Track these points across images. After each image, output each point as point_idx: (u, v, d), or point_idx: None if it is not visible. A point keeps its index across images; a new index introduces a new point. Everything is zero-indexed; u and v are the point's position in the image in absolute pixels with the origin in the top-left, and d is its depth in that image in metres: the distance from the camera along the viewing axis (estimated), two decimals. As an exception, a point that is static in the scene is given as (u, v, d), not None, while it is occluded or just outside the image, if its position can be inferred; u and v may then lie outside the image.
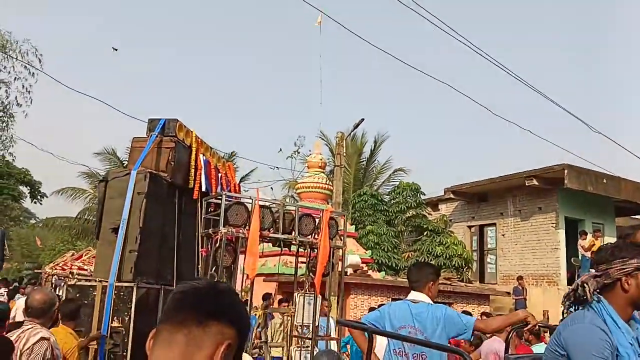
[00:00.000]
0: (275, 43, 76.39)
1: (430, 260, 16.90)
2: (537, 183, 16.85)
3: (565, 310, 2.50)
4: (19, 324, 3.93)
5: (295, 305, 7.07)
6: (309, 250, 6.91)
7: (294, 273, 7.51)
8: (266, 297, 10.94)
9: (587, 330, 2.26)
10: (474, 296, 13.86)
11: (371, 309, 7.52)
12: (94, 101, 22.34)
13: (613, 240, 12.68)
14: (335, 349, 7.07)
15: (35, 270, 21.73)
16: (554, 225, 17.43)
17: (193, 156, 6.39)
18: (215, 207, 6.30)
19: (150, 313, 5.51)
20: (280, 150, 23.32)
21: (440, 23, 19.49)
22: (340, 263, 7.45)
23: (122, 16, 76.40)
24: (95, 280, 5.52)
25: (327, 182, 15.72)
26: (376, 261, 16.96)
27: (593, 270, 2.46)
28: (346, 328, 7.37)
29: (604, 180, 17.09)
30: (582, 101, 66.50)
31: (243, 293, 8.42)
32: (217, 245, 5.92)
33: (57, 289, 11.12)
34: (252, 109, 74.30)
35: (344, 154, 13.87)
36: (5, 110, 21.63)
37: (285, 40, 74.80)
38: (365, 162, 26.17)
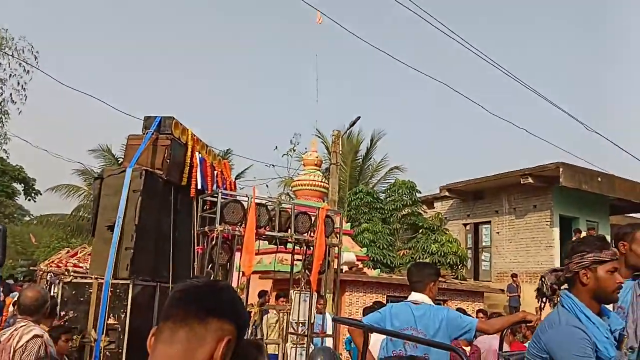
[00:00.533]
0: (271, 40, 76.28)
1: (425, 257, 16.98)
2: (532, 181, 16.93)
3: (542, 306, 2.58)
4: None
5: (291, 303, 7.10)
6: (304, 247, 6.93)
7: (289, 270, 7.53)
8: (262, 294, 10.97)
9: (565, 332, 2.30)
10: (469, 293, 13.93)
11: (365, 308, 7.54)
12: (88, 98, 22.30)
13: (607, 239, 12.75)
14: (331, 346, 7.10)
15: (30, 268, 21.65)
16: (549, 223, 17.52)
17: (189, 154, 6.39)
18: (211, 204, 6.31)
19: (146, 310, 5.52)
20: (276, 148, 23.35)
21: (437, 22, 19.53)
22: (335, 261, 7.47)
23: (113, 11, 76.07)
24: (91, 278, 5.53)
25: (323, 180, 15.73)
26: (371, 259, 17.01)
27: None
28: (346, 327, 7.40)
29: (599, 179, 17.19)
30: (577, 100, 66.71)
31: (239, 290, 8.43)
32: (213, 242, 5.94)
33: (53, 286, 11.10)
34: (248, 107, 74.19)
35: (340, 152, 13.87)
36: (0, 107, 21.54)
37: (281, 38, 74.67)
38: (361, 160, 26.20)
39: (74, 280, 6.01)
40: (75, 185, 26.61)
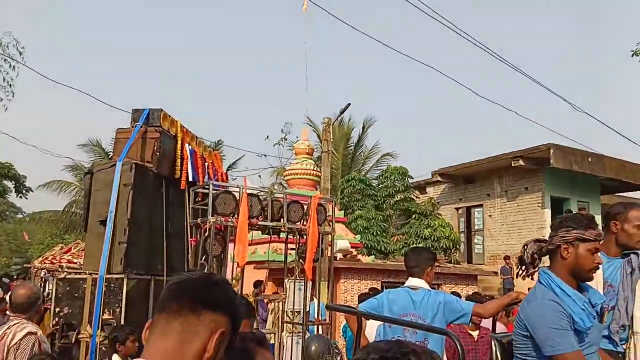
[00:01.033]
0: (260, 29, 75.73)
1: (419, 242, 17.06)
2: (523, 163, 17.01)
3: (519, 273, 2.70)
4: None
5: (286, 292, 7.12)
6: (298, 236, 6.94)
7: (284, 260, 7.55)
8: (257, 284, 11.00)
9: (541, 306, 2.36)
10: (462, 277, 14.01)
11: (361, 295, 7.58)
12: (76, 92, 22.05)
13: (598, 218, 12.87)
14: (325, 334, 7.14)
15: (25, 265, 21.57)
16: (540, 204, 17.63)
17: (179, 146, 6.36)
18: (202, 196, 6.29)
19: (141, 304, 5.53)
20: (267, 137, 23.28)
21: (424, 7, 19.44)
22: (329, 248, 7.48)
23: (101, 3, 75.18)
24: (85, 273, 5.53)
25: (315, 169, 15.72)
26: (365, 245, 17.08)
27: None
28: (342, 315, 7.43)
29: (589, 159, 17.28)
30: (566, 82, 66.87)
31: (234, 281, 8.44)
32: (206, 234, 5.93)
33: (47, 283, 11.07)
34: (237, 97, 73.84)
35: (331, 140, 13.84)
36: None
37: (270, 27, 74.17)
38: (353, 147, 26.18)
39: (68, 277, 6.01)
40: (66, 181, 26.48)
